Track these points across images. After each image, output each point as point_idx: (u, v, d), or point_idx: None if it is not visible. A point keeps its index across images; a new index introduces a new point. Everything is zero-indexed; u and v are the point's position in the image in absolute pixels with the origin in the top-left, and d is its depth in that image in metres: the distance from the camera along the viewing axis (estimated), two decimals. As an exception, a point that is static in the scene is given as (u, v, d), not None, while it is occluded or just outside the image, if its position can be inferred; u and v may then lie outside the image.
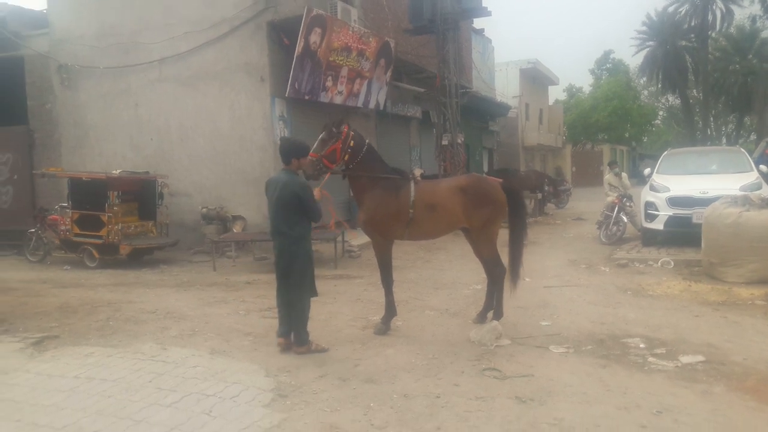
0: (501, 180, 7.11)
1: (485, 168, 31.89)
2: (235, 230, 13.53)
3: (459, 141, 17.87)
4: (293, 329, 6.41)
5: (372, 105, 17.77)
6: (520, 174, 23.18)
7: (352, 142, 6.69)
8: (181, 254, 14.05)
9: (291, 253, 6.17)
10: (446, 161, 17.83)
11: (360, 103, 17.13)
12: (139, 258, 13.67)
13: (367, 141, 6.91)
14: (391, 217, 6.76)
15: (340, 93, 15.73)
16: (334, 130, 6.64)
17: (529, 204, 20.54)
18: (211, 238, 12.99)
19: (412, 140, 22.02)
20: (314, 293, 6.37)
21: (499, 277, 7.09)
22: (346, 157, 6.68)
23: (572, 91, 66.92)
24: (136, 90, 15.57)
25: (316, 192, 6.34)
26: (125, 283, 11.09)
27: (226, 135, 14.57)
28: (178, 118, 15.26)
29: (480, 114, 30.24)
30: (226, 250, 13.27)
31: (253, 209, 14.34)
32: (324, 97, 15.24)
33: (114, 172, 13.64)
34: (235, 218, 14.04)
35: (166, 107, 15.33)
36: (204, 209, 14.36)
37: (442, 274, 10.81)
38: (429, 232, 7.03)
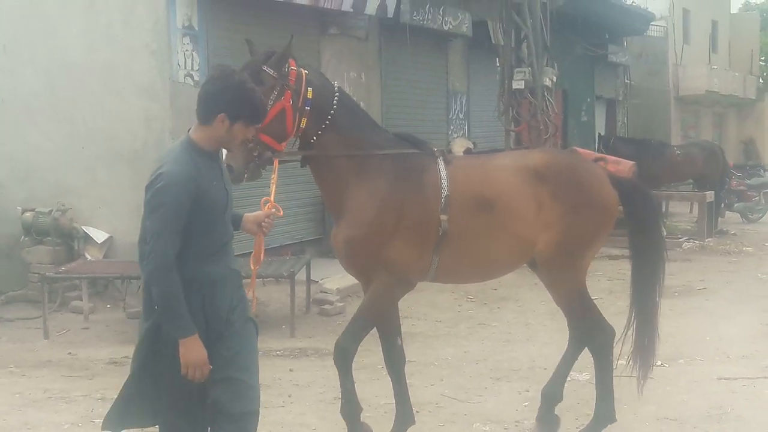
0: (624, 163, 6.28)
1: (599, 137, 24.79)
2: (89, 256, 10.71)
3: (547, 83, 14.07)
4: None
5: (371, 9, 13.78)
6: (671, 153, 18.65)
7: (310, 90, 4.77)
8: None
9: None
10: (521, 123, 14.16)
11: (348, 6, 13.10)
12: None
13: (336, 86, 5.03)
14: (409, 231, 4.94)
15: (308, -17, 12.99)
16: (270, 72, 4.62)
17: (689, 212, 17.54)
18: (42, 270, 10.24)
19: (452, 81, 17.77)
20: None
21: (601, 350, 5.41)
22: (304, 123, 4.78)
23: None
24: None
25: (265, 209, 4.28)
26: None
27: (77, 63, 11.27)
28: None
29: (591, 30, 22.41)
30: (72, 296, 10.45)
31: (125, 215, 10.79)
32: (274, -10, 11.99)
33: None
34: (91, 234, 10.97)
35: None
36: (27, 213, 10.93)
37: (510, 348, 8.59)
38: (478, 262, 5.23)
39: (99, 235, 10.76)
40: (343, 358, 5.16)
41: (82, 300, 10.04)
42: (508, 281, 10.15)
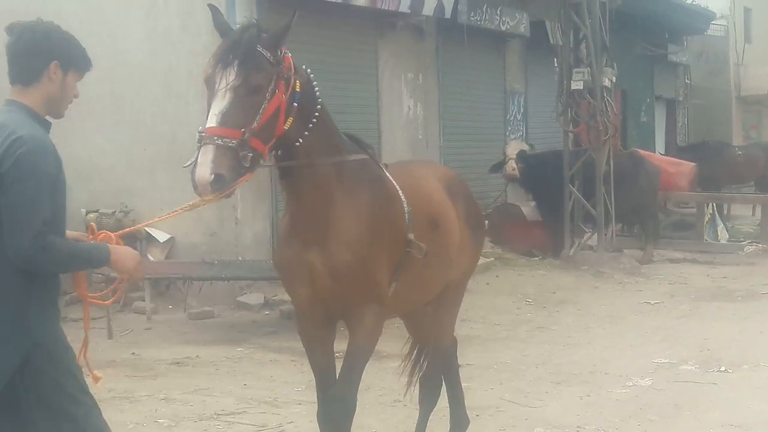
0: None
1: (660, 140, 23.88)
2: (151, 257, 10.81)
3: (607, 83, 13.71)
4: None
5: (428, 10, 13.77)
6: (731, 154, 17.96)
7: (298, 83, 3.78)
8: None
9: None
10: (579, 124, 13.88)
11: (406, 6, 13.05)
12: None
13: (313, 78, 4.08)
14: (391, 250, 4.22)
15: (368, -17, 12.75)
16: (267, 55, 3.61)
17: (752, 215, 16.86)
18: (106, 271, 8.76)
19: (510, 81, 17.75)
20: None
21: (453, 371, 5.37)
22: (290, 123, 3.76)
23: None
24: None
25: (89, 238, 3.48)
26: None
27: (137, 65, 11.43)
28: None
29: (651, 29, 21.97)
30: (135, 297, 10.55)
31: (186, 216, 9.67)
32: (335, -11, 11.93)
33: None
34: (153, 234, 11.11)
35: (18, 5, 10.92)
36: (91, 214, 10.81)
37: (571, 352, 8.38)
38: (424, 289, 4.63)
39: (161, 236, 10.70)
40: (345, 412, 4.25)
41: (144, 300, 9.96)
42: (566, 284, 10.02)
